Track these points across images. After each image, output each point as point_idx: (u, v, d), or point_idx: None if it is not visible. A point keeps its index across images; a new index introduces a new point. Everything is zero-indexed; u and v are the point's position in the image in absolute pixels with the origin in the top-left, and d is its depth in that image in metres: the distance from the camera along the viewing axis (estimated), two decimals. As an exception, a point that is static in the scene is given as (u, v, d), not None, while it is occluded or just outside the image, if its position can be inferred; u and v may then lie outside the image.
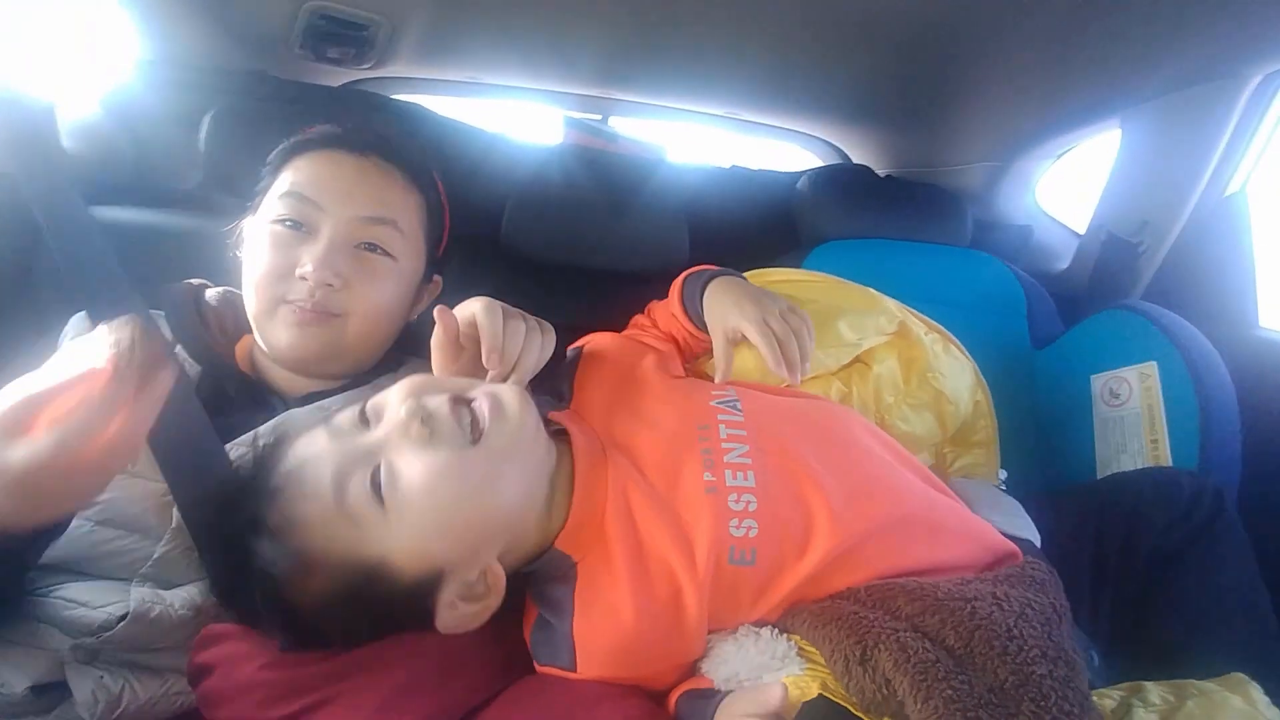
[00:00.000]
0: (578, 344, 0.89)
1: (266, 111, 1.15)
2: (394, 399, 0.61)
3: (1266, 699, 0.56)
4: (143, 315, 0.78)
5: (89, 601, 0.64)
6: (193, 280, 0.90)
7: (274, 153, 0.84)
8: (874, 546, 0.66)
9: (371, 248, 0.80)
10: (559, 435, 0.72)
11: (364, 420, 0.61)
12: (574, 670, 0.60)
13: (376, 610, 0.57)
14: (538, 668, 0.63)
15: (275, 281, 0.77)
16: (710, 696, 0.58)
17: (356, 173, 0.80)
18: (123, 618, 0.63)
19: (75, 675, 0.63)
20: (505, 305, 0.71)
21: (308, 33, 1.34)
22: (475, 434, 0.59)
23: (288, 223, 0.78)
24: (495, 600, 0.61)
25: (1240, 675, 0.58)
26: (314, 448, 0.59)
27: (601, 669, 0.60)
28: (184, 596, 0.67)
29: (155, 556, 0.67)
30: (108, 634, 0.63)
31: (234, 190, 0.94)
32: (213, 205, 1.11)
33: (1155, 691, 0.58)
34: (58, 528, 0.60)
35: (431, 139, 1.30)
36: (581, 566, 0.64)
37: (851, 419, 0.81)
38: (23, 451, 0.47)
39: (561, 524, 0.65)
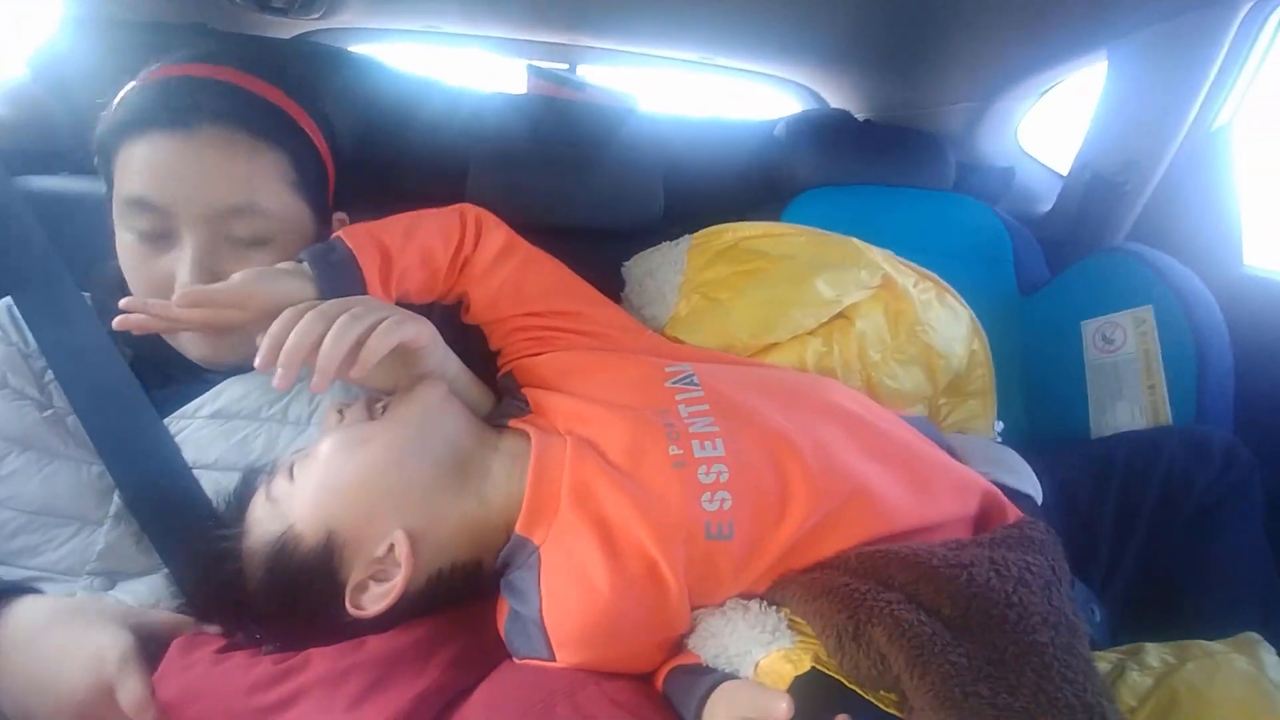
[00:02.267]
0: (502, 369, 0.82)
1: (206, 67, 1.07)
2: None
3: (1277, 660, 0.55)
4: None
5: None
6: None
7: (98, 134, 0.72)
8: (856, 508, 0.64)
9: (250, 241, 0.71)
10: (523, 438, 0.69)
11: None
12: (553, 659, 0.58)
13: (294, 590, 0.59)
14: (517, 662, 0.60)
15: (154, 294, 0.68)
16: (700, 673, 0.56)
17: (194, 158, 0.67)
18: None
19: None
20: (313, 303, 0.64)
21: (247, -20, 1.25)
22: (371, 415, 0.66)
23: (144, 237, 0.69)
24: (404, 574, 0.58)
25: (1252, 635, 0.57)
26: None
27: (578, 652, 0.57)
28: (135, 591, 0.63)
29: (101, 548, 0.64)
30: None
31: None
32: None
33: (1155, 653, 0.56)
34: None
35: (390, 92, 1.23)
36: (544, 550, 0.61)
37: (824, 383, 0.78)
38: None
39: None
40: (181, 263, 0.67)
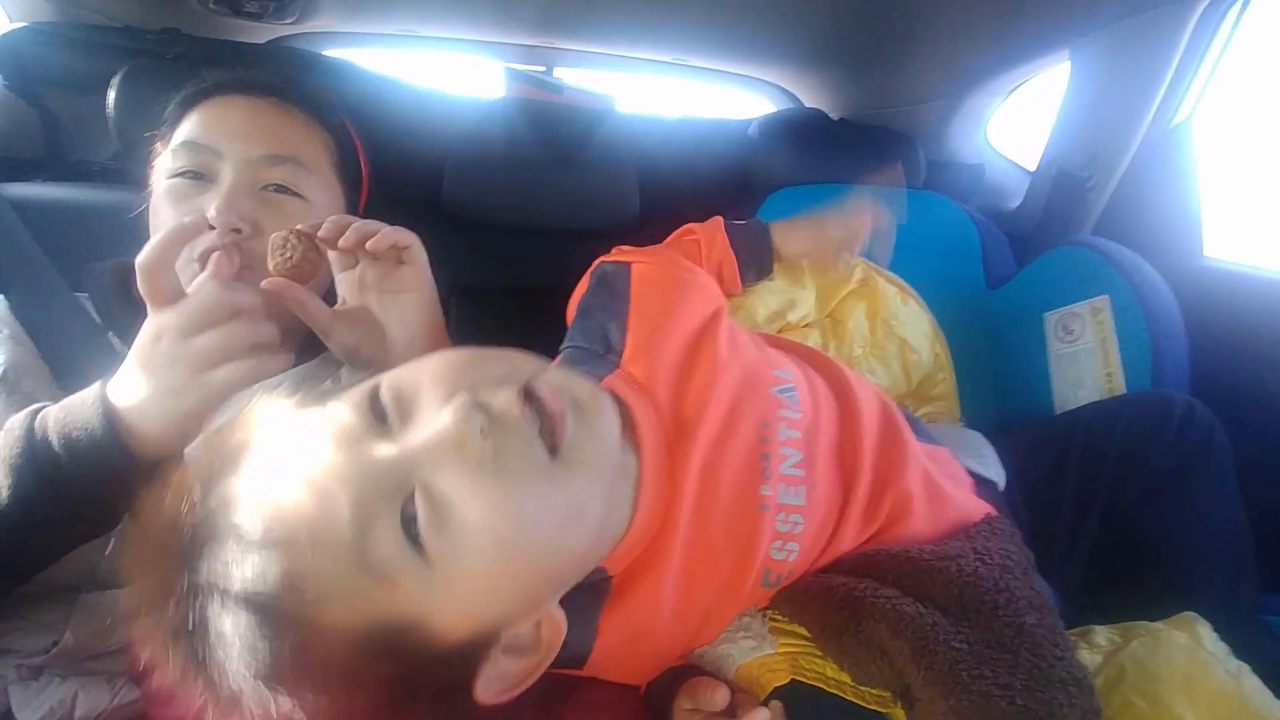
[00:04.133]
0: (613, 258, 0.75)
1: (179, 72, 1.07)
2: (430, 384, 0.43)
3: (1214, 636, 0.58)
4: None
5: (37, 619, 0.61)
6: (125, 260, 0.84)
7: (168, 109, 0.78)
8: (889, 533, 0.63)
9: (280, 189, 0.73)
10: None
11: (377, 413, 0.43)
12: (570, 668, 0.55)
13: (395, 678, 0.42)
14: None
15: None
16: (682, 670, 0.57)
17: (252, 112, 0.75)
18: None
19: (19, 693, 0.59)
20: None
21: (219, -16, 1.25)
22: (551, 443, 0.43)
23: (186, 174, 0.72)
24: (548, 656, 0.47)
25: (1190, 614, 0.60)
26: (311, 463, 0.40)
27: (603, 674, 0.57)
28: None
29: (104, 562, 0.64)
30: (55, 647, 0.60)
31: (148, 158, 0.87)
32: (134, 176, 1.04)
33: (1102, 634, 0.59)
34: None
35: (365, 96, 1.23)
36: (618, 580, 0.54)
37: (873, 389, 0.74)
38: None
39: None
40: (215, 195, 0.70)
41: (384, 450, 0.40)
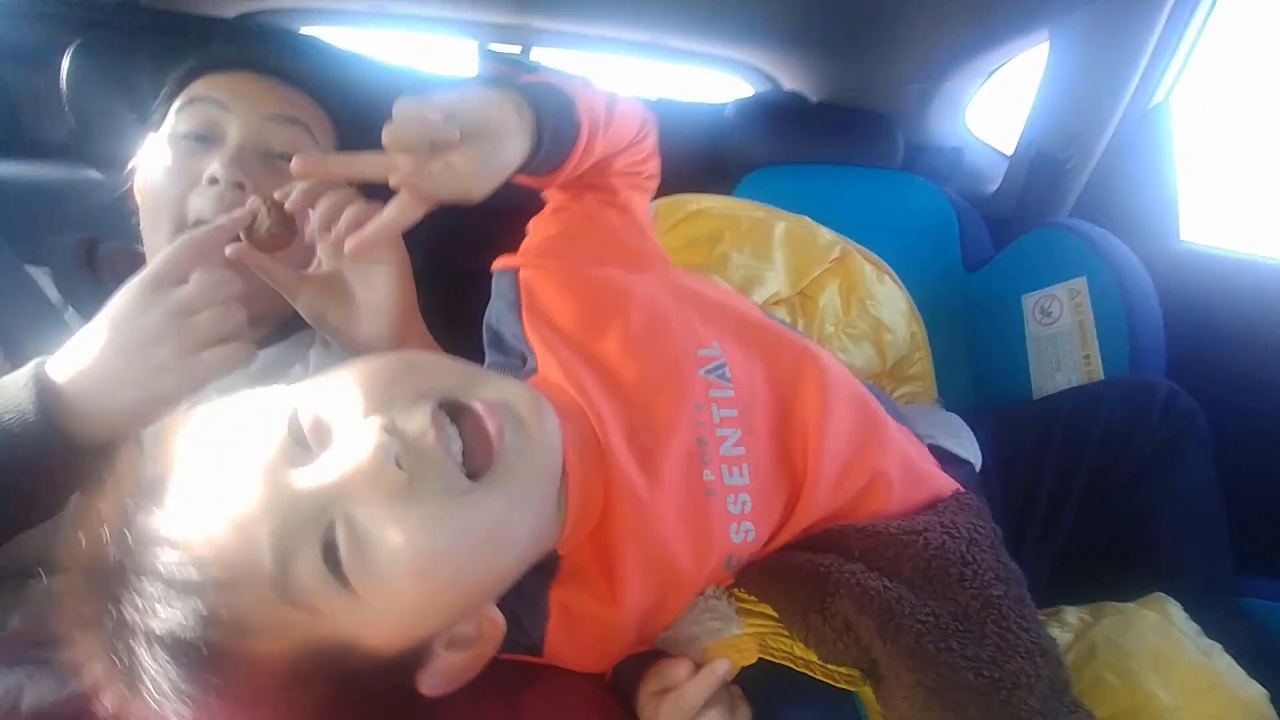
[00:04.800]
0: (504, 265, 0.68)
1: (136, 45, 1.04)
2: (343, 414, 0.42)
3: (1184, 615, 0.58)
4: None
5: None
6: (92, 236, 0.80)
7: (171, 77, 0.76)
8: (861, 511, 0.62)
9: (286, 158, 0.69)
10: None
11: (295, 437, 0.42)
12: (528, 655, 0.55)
13: (333, 696, 0.42)
14: None
15: (180, 197, 0.69)
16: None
17: (257, 82, 0.74)
18: None
19: None
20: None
21: (182, -45, 1.22)
22: (473, 466, 0.43)
23: (189, 139, 0.71)
24: (489, 649, 0.48)
25: (1159, 595, 0.60)
26: (231, 496, 0.40)
27: (562, 662, 0.56)
28: None
29: (58, 549, 0.61)
30: (2, 632, 0.57)
31: (103, 136, 0.85)
32: (92, 154, 1.01)
33: (1073, 613, 0.59)
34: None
35: (336, 73, 1.20)
36: (568, 563, 0.54)
37: (830, 361, 0.71)
38: None
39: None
40: (219, 155, 0.69)
41: (303, 481, 0.40)
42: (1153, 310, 0.92)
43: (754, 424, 0.59)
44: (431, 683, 0.46)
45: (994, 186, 1.51)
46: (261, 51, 0.78)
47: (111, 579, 0.39)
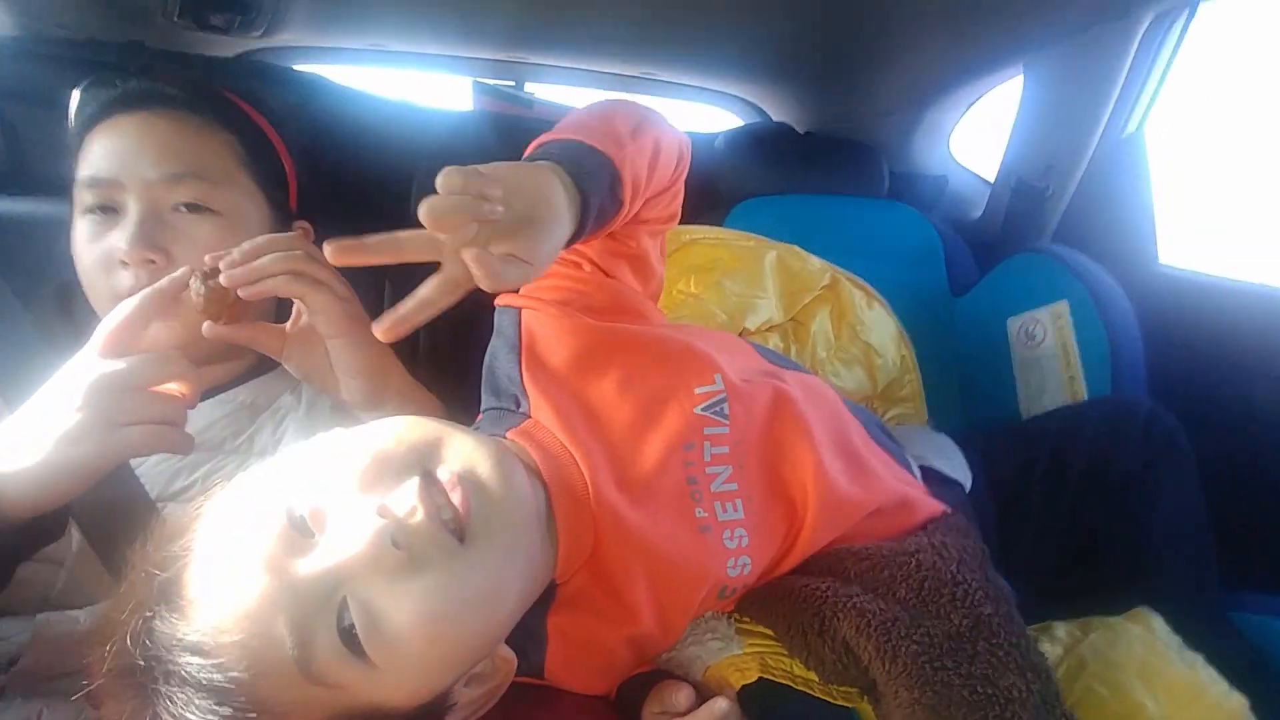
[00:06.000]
0: (507, 302, 0.68)
1: (143, 86, 1.06)
2: (337, 498, 0.45)
3: (1168, 628, 0.59)
4: None
5: None
6: (67, 279, 0.81)
7: (71, 138, 0.76)
8: (855, 536, 0.64)
9: (191, 208, 0.72)
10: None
11: (297, 526, 0.44)
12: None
13: None
14: None
15: (102, 279, 0.70)
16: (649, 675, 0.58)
17: (141, 132, 0.72)
18: None
19: None
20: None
21: (184, -3, 1.24)
22: (458, 527, 0.45)
23: (94, 212, 0.71)
24: (504, 681, 0.52)
25: (1143, 609, 0.62)
26: (244, 593, 0.42)
27: (562, 684, 0.57)
28: (94, 610, 0.62)
29: (60, 586, 0.62)
30: (15, 667, 0.58)
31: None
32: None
33: (1062, 628, 0.61)
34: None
35: (335, 109, 1.23)
36: (562, 591, 0.56)
37: (829, 391, 0.73)
38: None
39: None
40: (124, 229, 0.69)
41: (309, 567, 0.43)
42: (1132, 332, 0.95)
43: (745, 460, 0.61)
44: (457, 717, 0.50)
45: (978, 213, 1.55)
46: (142, 87, 0.75)
47: (144, 683, 0.42)
